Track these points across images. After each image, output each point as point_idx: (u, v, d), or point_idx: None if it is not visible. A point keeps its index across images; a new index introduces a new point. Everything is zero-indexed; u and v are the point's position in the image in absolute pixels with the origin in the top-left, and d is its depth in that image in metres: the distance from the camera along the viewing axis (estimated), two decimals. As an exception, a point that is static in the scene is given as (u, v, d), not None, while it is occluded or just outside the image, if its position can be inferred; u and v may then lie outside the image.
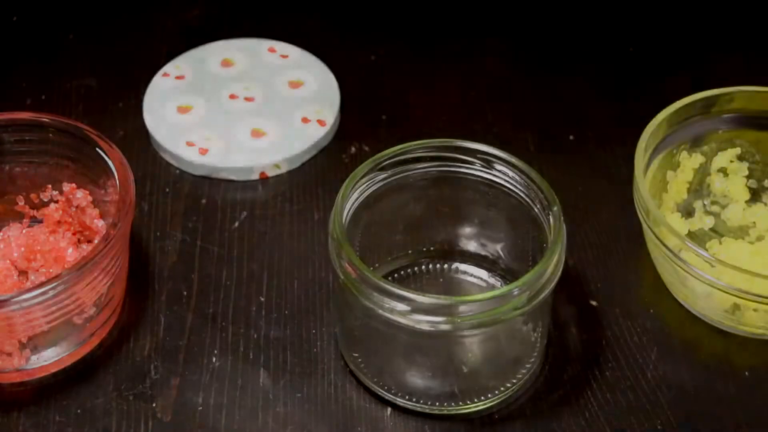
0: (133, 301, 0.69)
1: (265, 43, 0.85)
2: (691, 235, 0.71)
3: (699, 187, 0.73)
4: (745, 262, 0.68)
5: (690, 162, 0.72)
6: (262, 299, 0.69)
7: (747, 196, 0.73)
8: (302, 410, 0.64)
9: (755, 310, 0.65)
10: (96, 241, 0.66)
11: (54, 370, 0.64)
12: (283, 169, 0.78)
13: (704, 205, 0.73)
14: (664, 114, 0.70)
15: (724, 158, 0.73)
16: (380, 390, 0.63)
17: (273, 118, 0.79)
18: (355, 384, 0.65)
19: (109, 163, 0.66)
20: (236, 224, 0.74)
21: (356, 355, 0.64)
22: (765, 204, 0.73)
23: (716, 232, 0.72)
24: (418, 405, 0.63)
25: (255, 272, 0.71)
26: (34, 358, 0.63)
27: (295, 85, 0.82)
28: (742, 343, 0.67)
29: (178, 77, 0.83)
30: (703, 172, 0.73)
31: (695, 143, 0.72)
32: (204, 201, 0.76)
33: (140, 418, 0.63)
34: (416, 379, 0.61)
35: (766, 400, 0.64)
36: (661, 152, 0.71)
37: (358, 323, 0.62)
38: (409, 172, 0.65)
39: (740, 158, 0.73)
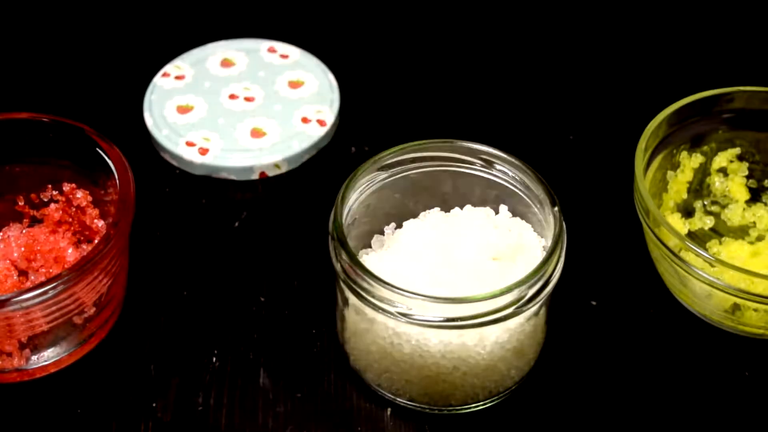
0: (133, 301, 0.69)
1: (265, 43, 0.85)
2: (691, 235, 0.71)
3: (699, 187, 0.73)
4: (745, 262, 0.68)
5: (690, 162, 0.72)
6: (262, 299, 0.69)
7: (747, 196, 0.73)
8: (302, 410, 0.64)
9: (755, 310, 0.65)
10: (96, 241, 0.66)
11: (54, 370, 0.64)
12: (283, 169, 0.78)
13: (704, 205, 0.73)
14: (664, 114, 0.70)
15: (724, 158, 0.73)
16: (380, 390, 0.64)
17: (273, 118, 0.79)
18: (355, 384, 0.65)
19: (109, 163, 0.66)
20: (236, 224, 0.74)
21: (356, 355, 0.64)
22: (765, 204, 0.73)
23: (716, 232, 0.72)
24: (417, 405, 0.63)
25: (255, 272, 0.71)
26: (34, 358, 0.63)
27: (295, 85, 0.82)
28: (742, 343, 0.67)
29: (178, 77, 0.83)
30: (703, 172, 0.73)
31: (695, 143, 0.72)
32: (204, 201, 0.76)
33: (140, 418, 0.63)
34: (416, 378, 0.61)
35: (766, 400, 0.64)
36: (661, 152, 0.71)
37: (357, 323, 0.62)
38: (409, 172, 0.65)
39: (740, 158, 0.73)
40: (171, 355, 0.66)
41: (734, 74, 0.81)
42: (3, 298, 0.59)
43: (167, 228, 0.74)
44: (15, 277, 0.66)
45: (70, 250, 0.67)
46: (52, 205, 0.69)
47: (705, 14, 0.91)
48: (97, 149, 0.66)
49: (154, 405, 0.64)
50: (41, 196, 0.69)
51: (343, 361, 0.66)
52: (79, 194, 0.68)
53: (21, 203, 0.69)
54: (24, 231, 0.69)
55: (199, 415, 0.63)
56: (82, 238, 0.69)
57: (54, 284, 0.59)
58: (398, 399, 0.63)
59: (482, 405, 0.63)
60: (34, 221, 0.70)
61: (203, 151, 0.77)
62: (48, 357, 0.64)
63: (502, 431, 0.63)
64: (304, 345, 0.67)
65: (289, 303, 0.69)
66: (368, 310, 0.60)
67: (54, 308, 0.61)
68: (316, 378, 0.65)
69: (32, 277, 0.67)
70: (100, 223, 0.68)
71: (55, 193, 0.69)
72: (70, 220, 0.69)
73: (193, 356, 0.66)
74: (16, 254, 0.67)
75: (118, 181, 0.65)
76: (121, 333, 0.67)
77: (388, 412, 0.64)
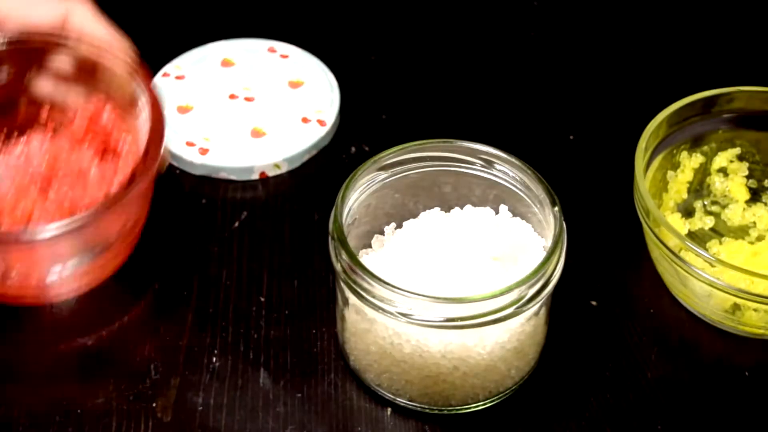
0: (134, 302, 0.69)
1: (265, 43, 0.85)
2: (691, 235, 0.71)
3: (699, 187, 0.74)
4: (745, 262, 0.68)
5: (690, 162, 0.72)
6: (262, 299, 0.69)
7: (747, 196, 0.73)
8: (302, 410, 0.64)
9: (755, 310, 0.65)
10: (119, 164, 0.65)
11: (71, 289, 0.64)
12: (283, 169, 0.78)
13: (704, 205, 0.73)
14: (664, 114, 0.70)
15: (724, 158, 0.73)
16: (380, 390, 0.64)
17: (273, 118, 0.79)
18: (355, 384, 0.65)
19: (141, 91, 0.65)
20: (236, 224, 0.74)
21: (356, 355, 0.64)
22: (765, 204, 0.73)
23: (716, 232, 0.72)
24: (417, 405, 0.63)
25: (255, 272, 0.71)
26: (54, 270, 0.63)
27: (295, 85, 0.82)
28: (742, 343, 0.67)
29: (178, 77, 0.83)
30: (703, 172, 0.73)
31: (695, 143, 0.72)
32: (204, 201, 0.76)
33: (140, 418, 0.63)
34: (416, 378, 0.61)
35: (766, 400, 0.64)
36: (661, 152, 0.71)
37: (357, 323, 0.62)
38: (409, 172, 0.65)
39: (740, 158, 0.73)
40: (171, 355, 0.66)
41: (734, 74, 0.81)
42: (25, 234, 0.58)
43: (167, 228, 0.74)
44: (34, 195, 0.65)
45: (93, 169, 0.66)
46: (78, 120, 0.68)
47: (705, 14, 0.91)
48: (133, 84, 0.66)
49: (154, 405, 0.64)
50: (67, 113, 0.68)
51: (343, 361, 0.66)
52: (106, 114, 0.67)
53: (45, 115, 0.68)
54: (47, 139, 0.68)
55: (199, 415, 0.63)
56: (104, 154, 0.68)
57: (82, 218, 0.59)
58: (398, 399, 0.63)
59: (482, 405, 0.63)
60: (56, 132, 0.69)
61: (203, 151, 0.77)
62: (69, 268, 0.63)
63: (502, 431, 0.63)
64: (304, 345, 0.67)
65: (289, 303, 0.69)
66: (368, 310, 0.60)
67: (78, 241, 0.60)
68: (316, 378, 0.65)
69: (52, 196, 0.65)
70: (125, 147, 0.67)
71: (81, 109, 0.68)
72: (94, 136, 0.68)
73: (193, 356, 0.66)
74: (36, 164, 0.66)
75: (150, 107, 0.64)
76: (122, 332, 0.67)
77: (388, 412, 0.64)
